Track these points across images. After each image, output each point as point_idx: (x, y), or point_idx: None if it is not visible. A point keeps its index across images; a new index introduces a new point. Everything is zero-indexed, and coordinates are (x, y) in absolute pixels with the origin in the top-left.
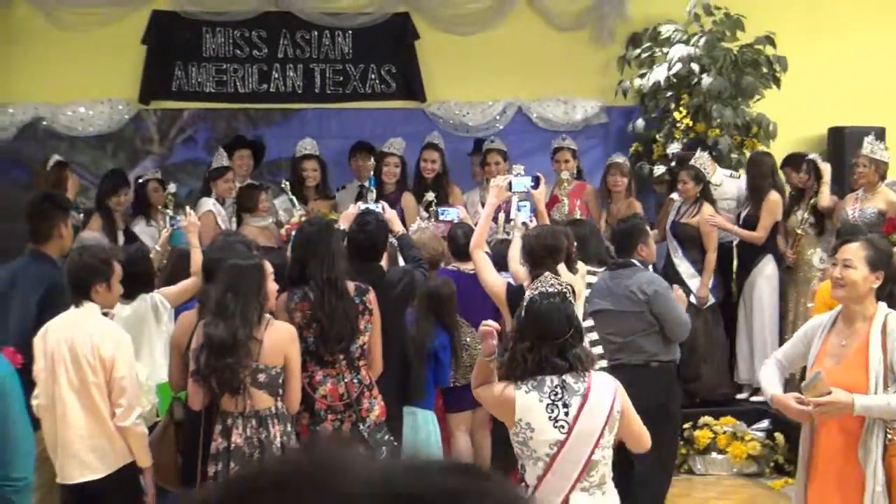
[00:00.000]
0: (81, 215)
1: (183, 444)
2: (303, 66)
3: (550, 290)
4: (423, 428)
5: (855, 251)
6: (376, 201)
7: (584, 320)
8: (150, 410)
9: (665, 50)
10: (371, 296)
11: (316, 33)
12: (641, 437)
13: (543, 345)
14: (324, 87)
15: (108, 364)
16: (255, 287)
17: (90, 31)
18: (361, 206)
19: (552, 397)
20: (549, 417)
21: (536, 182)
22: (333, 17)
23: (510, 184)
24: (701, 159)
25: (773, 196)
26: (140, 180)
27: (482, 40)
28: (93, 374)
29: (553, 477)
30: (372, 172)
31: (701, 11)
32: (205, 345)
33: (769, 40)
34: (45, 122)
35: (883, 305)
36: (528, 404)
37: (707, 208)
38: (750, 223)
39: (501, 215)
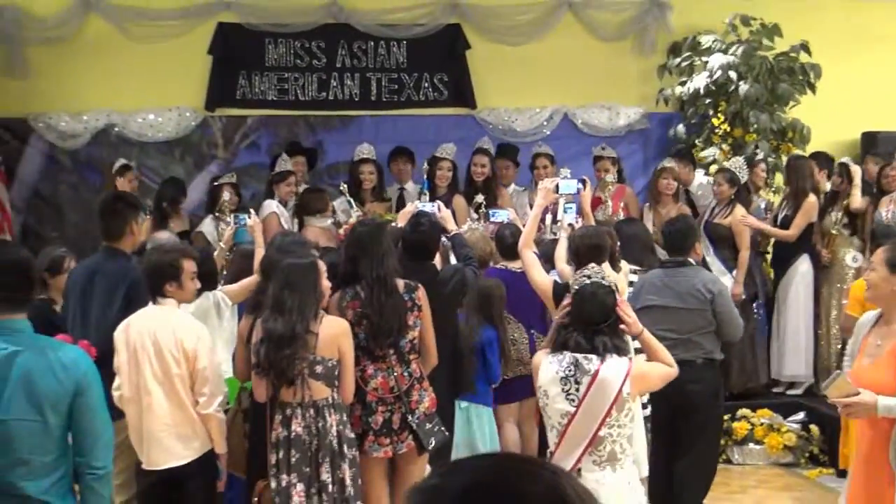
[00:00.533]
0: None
1: (249, 432)
2: (360, 75)
3: (602, 281)
4: (480, 424)
5: (878, 254)
6: (432, 201)
7: None
8: (222, 399)
9: (704, 59)
10: (420, 292)
11: (372, 44)
12: (666, 378)
13: (577, 326)
14: (379, 95)
15: (190, 356)
16: (310, 284)
17: (159, 43)
18: (418, 205)
19: (567, 372)
20: (563, 390)
21: (582, 185)
22: (389, 29)
23: (557, 186)
24: (736, 164)
25: (811, 198)
26: (215, 183)
27: (530, 50)
28: (176, 366)
29: (565, 445)
30: (425, 176)
31: (738, 22)
32: (265, 338)
33: (804, 48)
34: (117, 129)
35: None
36: (548, 374)
37: (739, 209)
38: (787, 224)
39: (548, 216)
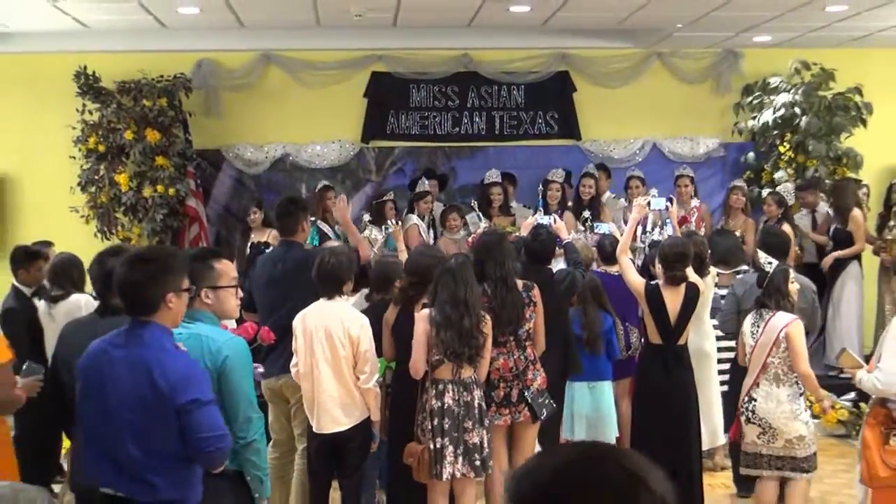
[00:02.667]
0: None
1: (390, 403)
2: (486, 113)
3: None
4: (603, 398)
5: None
6: (547, 214)
7: (711, 316)
8: (378, 377)
9: (772, 97)
10: (535, 291)
11: (496, 87)
12: (802, 362)
13: (764, 295)
14: (502, 129)
15: (354, 341)
16: (473, 280)
17: (325, 88)
18: (538, 218)
19: (755, 318)
20: (751, 331)
21: (670, 202)
22: (509, 75)
23: (649, 203)
24: (785, 189)
25: (856, 212)
26: (377, 200)
27: (625, 92)
28: (342, 349)
29: (750, 367)
30: (539, 195)
31: (801, 66)
32: (445, 327)
33: (857, 90)
34: (291, 157)
35: None
36: (748, 321)
37: (786, 227)
38: (840, 237)
39: (638, 228)
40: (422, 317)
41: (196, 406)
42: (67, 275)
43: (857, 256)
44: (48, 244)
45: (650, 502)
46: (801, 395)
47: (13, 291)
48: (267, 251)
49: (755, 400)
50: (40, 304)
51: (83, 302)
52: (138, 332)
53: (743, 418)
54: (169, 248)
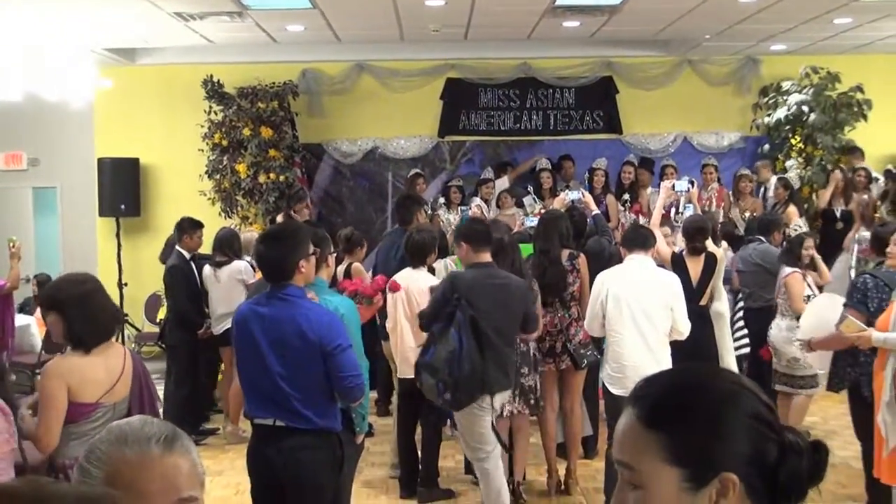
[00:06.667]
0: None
1: None
2: (542, 112)
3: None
4: None
5: None
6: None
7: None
8: None
9: (785, 97)
10: (581, 259)
11: (550, 90)
12: (795, 302)
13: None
14: (556, 126)
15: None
16: (518, 254)
17: (408, 92)
18: (568, 193)
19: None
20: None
21: (692, 184)
22: (562, 80)
23: (674, 185)
24: (792, 172)
25: (856, 196)
26: (447, 184)
27: (661, 93)
28: (419, 308)
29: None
30: (586, 181)
31: (810, 71)
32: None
33: (859, 89)
34: (379, 150)
35: None
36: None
37: (792, 208)
38: (846, 215)
39: (673, 209)
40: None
41: (340, 350)
42: (229, 244)
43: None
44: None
45: (750, 403)
46: (798, 327)
47: (176, 254)
48: (387, 236)
49: (771, 329)
50: (206, 269)
51: (242, 267)
52: (280, 294)
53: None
54: (293, 223)
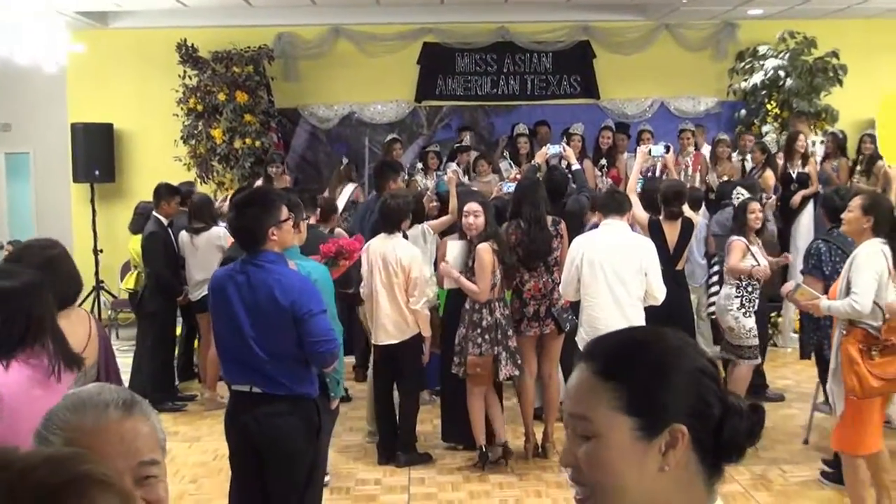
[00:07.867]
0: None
1: (445, 323)
2: (519, 77)
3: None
4: None
5: (855, 200)
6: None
7: (693, 241)
8: (433, 297)
9: (761, 62)
10: (562, 226)
11: (528, 55)
12: (730, 262)
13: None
14: (533, 91)
15: (406, 268)
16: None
17: (385, 56)
18: (549, 148)
19: None
20: None
21: (667, 149)
22: (540, 45)
23: (650, 150)
24: (768, 137)
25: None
26: (425, 149)
27: (638, 58)
28: (395, 276)
29: None
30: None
31: (787, 36)
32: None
33: (835, 55)
34: (356, 115)
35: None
36: None
37: (769, 172)
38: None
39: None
40: (485, 249)
41: (310, 315)
42: (207, 210)
43: (815, 197)
44: (192, 184)
45: (695, 357)
46: (736, 297)
47: (154, 220)
48: (364, 202)
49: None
50: (183, 235)
51: (221, 233)
52: (254, 260)
53: None
54: (264, 188)
